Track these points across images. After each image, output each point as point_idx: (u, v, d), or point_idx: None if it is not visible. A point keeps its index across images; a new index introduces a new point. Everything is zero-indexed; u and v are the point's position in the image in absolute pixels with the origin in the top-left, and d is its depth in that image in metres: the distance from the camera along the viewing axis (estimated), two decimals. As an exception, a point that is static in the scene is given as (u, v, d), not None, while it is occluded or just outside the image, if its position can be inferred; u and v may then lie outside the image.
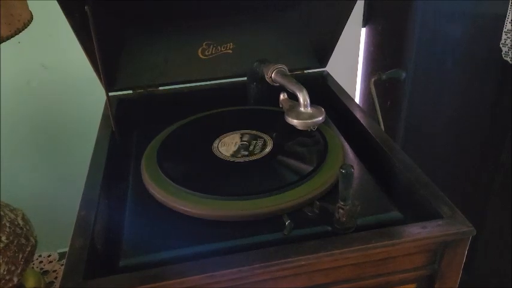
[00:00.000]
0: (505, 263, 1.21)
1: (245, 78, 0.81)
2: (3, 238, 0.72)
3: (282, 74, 0.72)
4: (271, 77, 0.73)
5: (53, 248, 1.07)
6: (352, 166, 0.49)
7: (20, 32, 0.59)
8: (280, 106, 0.72)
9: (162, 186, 0.59)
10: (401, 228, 0.49)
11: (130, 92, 0.85)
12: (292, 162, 0.64)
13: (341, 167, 0.49)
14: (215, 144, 0.67)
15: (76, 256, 0.48)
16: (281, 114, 0.67)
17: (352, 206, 0.50)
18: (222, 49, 0.86)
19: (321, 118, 0.64)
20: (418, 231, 0.49)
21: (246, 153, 0.65)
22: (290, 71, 0.74)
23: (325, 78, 0.91)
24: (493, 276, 1.21)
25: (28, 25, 0.60)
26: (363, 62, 1.22)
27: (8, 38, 0.56)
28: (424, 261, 0.52)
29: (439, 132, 1.26)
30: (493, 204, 1.20)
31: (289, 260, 0.46)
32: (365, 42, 1.20)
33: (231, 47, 0.86)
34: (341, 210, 0.50)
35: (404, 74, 0.86)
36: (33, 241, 0.79)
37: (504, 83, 1.11)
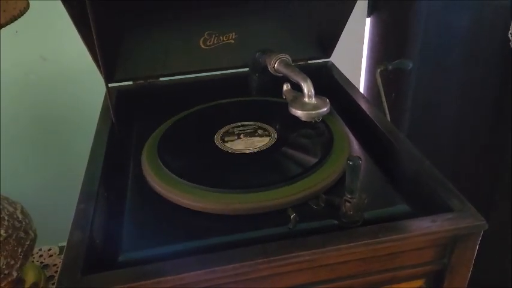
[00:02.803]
0: (506, 263, 1.20)
1: (248, 68, 0.80)
2: (2, 232, 0.71)
3: (285, 64, 0.70)
4: (274, 67, 0.71)
5: (54, 242, 1.06)
6: (359, 158, 0.47)
7: (16, 19, 0.57)
8: (284, 97, 0.70)
9: (163, 179, 0.57)
10: (410, 222, 0.48)
11: (130, 83, 0.83)
12: (297, 154, 0.62)
13: (348, 159, 0.47)
14: (217, 136, 0.66)
15: (74, 250, 0.47)
16: (284, 105, 0.66)
17: (359, 199, 0.49)
18: (224, 39, 0.84)
19: (325, 109, 0.63)
20: (428, 225, 0.47)
21: (249, 145, 0.63)
22: (293, 61, 0.72)
23: (330, 68, 0.89)
24: (493, 275, 1.20)
25: (24, 12, 0.59)
26: (368, 53, 1.20)
27: (2, 26, 0.54)
28: (433, 256, 0.50)
29: (444, 125, 1.24)
30: (496, 202, 1.19)
31: (293, 255, 0.45)
32: (370, 33, 1.18)
33: (233, 36, 0.84)
34: (348, 204, 0.49)
35: (410, 64, 0.84)
36: (33, 235, 0.78)
37: (510, 74, 1.09)
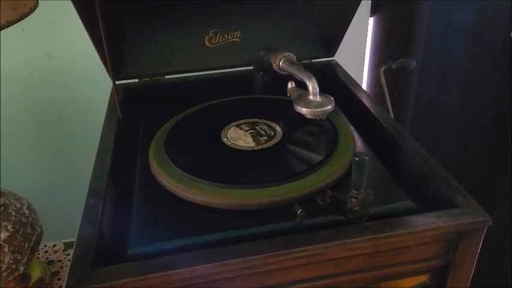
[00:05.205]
0: (506, 263, 1.21)
1: (252, 67, 0.80)
2: (9, 227, 0.72)
3: (290, 62, 0.71)
4: (278, 65, 0.72)
5: (58, 238, 1.07)
6: (366, 154, 0.48)
7: (26, 16, 0.58)
8: (288, 95, 0.71)
9: (170, 175, 0.58)
10: (415, 218, 0.49)
11: (136, 80, 0.84)
12: (303, 151, 0.63)
13: (354, 155, 0.48)
14: (224, 133, 0.66)
15: (84, 245, 0.48)
16: (289, 103, 0.66)
17: (365, 195, 0.49)
18: (229, 37, 0.84)
19: (330, 107, 0.63)
20: (433, 221, 0.48)
21: (256, 142, 0.64)
22: (297, 60, 0.73)
23: (334, 67, 0.89)
24: (493, 276, 1.20)
25: (34, 10, 0.59)
26: (371, 52, 1.21)
27: (13, 23, 0.55)
28: (437, 251, 0.51)
29: (445, 124, 1.25)
30: (496, 201, 1.20)
31: (301, 249, 0.46)
32: (372, 32, 1.18)
33: (238, 35, 0.85)
34: (353, 199, 0.49)
35: (414, 63, 0.84)
36: (39, 230, 0.78)
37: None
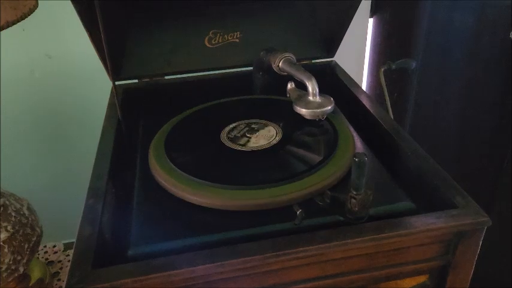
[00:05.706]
0: (506, 263, 1.21)
1: (252, 67, 0.80)
2: (9, 227, 0.72)
3: (289, 62, 0.71)
4: (278, 65, 0.72)
5: (58, 239, 1.07)
6: (365, 154, 0.48)
7: (26, 17, 0.58)
8: (288, 95, 0.71)
9: (170, 175, 0.58)
10: (415, 218, 0.49)
11: (136, 81, 0.84)
12: (302, 152, 0.63)
13: (354, 156, 0.48)
14: (223, 134, 0.66)
15: (84, 245, 0.48)
16: (289, 103, 0.66)
17: (365, 195, 0.50)
18: (229, 38, 0.85)
19: (329, 107, 0.64)
20: (433, 221, 0.48)
21: (255, 142, 0.64)
22: (297, 60, 0.73)
23: (333, 68, 0.90)
24: (493, 276, 1.21)
25: (34, 10, 0.59)
26: (370, 53, 1.21)
27: (13, 23, 0.55)
28: (437, 251, 0.51)
29: (445, 125, 1.25)
30: (496, 202, 1.20)
31: (301, 249, 0.46)
32: (372, 33, 1.18)
33: (238, 36, 0.85)
34: (353, 200, 0.49)
35: (414, 64, 0.85)
36: (39, 231, 0.78)
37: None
